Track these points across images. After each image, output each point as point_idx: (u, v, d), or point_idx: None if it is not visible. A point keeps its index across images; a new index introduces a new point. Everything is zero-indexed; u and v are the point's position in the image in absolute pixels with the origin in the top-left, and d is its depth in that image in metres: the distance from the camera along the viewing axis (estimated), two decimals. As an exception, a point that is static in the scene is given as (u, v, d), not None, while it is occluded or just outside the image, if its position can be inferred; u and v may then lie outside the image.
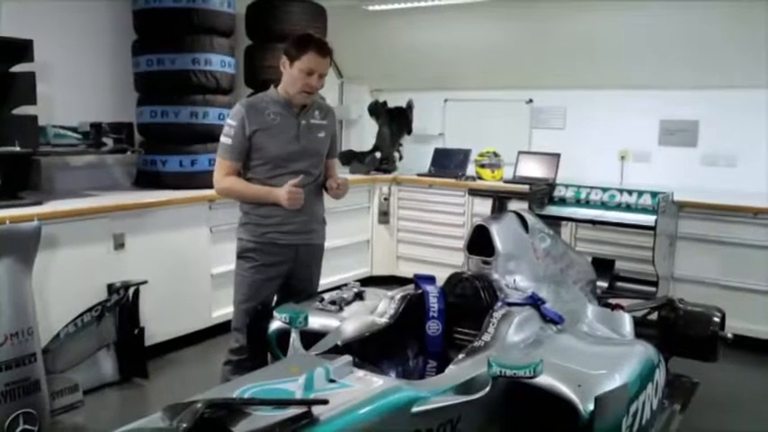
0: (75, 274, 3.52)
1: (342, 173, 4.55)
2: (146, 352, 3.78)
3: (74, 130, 4.04)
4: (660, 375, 2.37)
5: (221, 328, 3.85)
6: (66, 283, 3.45)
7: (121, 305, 3.64)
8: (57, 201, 3.72)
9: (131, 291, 3.68)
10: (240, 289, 2.88)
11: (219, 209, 4.15)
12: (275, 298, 2.90)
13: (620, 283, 4.08)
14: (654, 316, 3.23)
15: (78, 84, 4.29)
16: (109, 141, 4.12)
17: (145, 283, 3.71)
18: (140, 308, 3.73)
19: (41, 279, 3.16)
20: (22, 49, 3.53)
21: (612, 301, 3.30)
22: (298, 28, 4.60)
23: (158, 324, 3.91)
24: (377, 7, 5.45)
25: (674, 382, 3.02)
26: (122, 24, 4.44)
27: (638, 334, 2.87)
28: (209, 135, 4.24)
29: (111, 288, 3.63)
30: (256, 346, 2.70)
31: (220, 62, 4.41)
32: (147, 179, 4.50)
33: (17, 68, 3.60)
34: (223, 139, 2.80)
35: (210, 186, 2.93)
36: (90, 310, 3.48)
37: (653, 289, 3.85)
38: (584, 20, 5.02)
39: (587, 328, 2.77)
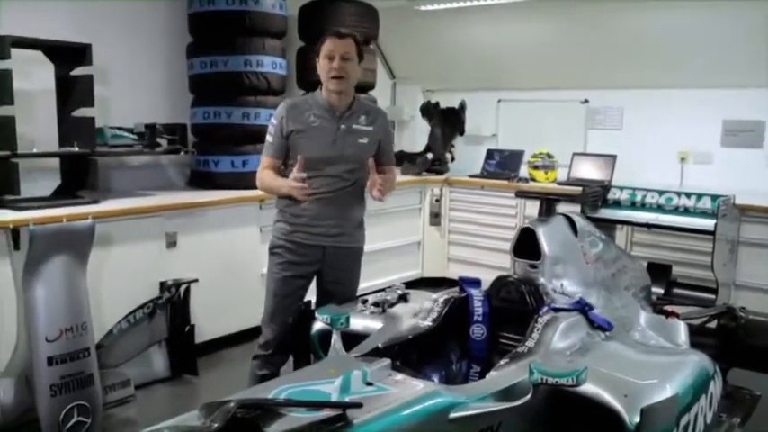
0: (129, 272, 3.61)
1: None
2: (196, 349, 3.85)
3: (129, 131, 4.15)
4: (716, 387, 2.26)
5: (270, 327, 3.87)
6: (119, 280, 3.54)
7: (173, 302, 3.72)
8: (113, 200, 3.83)
9: (183, 288, 3.75)
10: (269, 285, 2.94)
11: (269, 209, 4.12)
12: (313, 300, 2.91)
13: (677, 290, 3.93)
14: (713, 324, 3.10)
15: (134, 86, 4.40)
16: (163, 142, 4.21)
17: (196, 281, 3.79)
18: (191, 305, 3.80)
19: (96, 276, 3.25)
20: (81, 52, 3.67)
21: (668, 308, 3.18)
22: (350, 29, 4.60)
23: (208, 322, 3.97)
24: (429, 7, 5.41)
25: (733, 395, 2.87)
26: (177, 27, 4.53)
27: (695, 343, 2.74)
28: (261, 136, 4.19)
29: (163, 286, 3.71)
30: (297, 343, 2.72)
31: (272, 64, 4.45)
32: (200, 179, 4.58)
33: (77, 72, 3.72)
34: (267, 137, 2.88)
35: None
36: (142, 306, 3.57)
37: (712, 296, 3.70)
38: (642, 17, 4.86)
39: (639, 336, 2.68)
